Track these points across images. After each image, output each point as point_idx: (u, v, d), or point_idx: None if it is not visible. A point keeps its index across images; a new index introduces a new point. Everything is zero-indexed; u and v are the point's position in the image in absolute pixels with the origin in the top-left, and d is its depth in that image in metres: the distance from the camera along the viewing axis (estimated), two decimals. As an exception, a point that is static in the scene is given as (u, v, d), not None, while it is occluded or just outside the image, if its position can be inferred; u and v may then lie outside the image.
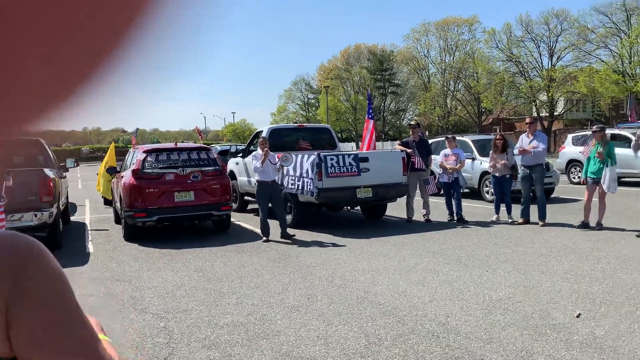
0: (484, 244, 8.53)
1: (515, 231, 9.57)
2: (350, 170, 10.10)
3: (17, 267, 0.76)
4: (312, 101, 70.52)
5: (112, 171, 12.12)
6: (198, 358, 4.38)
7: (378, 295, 5.94)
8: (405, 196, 10.94)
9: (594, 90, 43.14)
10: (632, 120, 26.44)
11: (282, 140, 12.04)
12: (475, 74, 53.32)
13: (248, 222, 11.84)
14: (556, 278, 6.37)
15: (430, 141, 13.69)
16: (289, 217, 10.66)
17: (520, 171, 10.38)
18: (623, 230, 9.21)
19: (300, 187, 10.31)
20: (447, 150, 11.16)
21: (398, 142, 12.35)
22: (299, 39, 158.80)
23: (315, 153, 10.21)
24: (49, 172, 9.13)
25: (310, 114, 67.69)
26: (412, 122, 12.06)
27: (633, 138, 10.61)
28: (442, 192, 11.42)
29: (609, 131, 14.21)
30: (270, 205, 9.58)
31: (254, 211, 12.38)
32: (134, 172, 9.70)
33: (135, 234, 9.87)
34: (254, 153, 10.04)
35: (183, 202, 9.73)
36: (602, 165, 9.19)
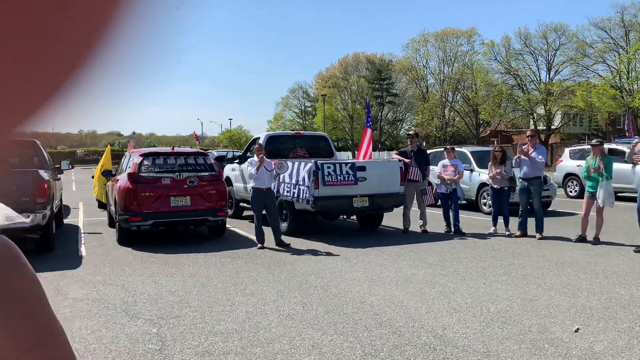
0: (481, 256, 8.48)
1: (513, 244, 9.52)
2: (347, 179, 10.04)
3: None
4: (309, 109, 70.43)
5: (107, 174, 12.08)
6: (190, 366, 4.29)
7: (374, 305, 5.87)
8: (402, 206, 10.89)
9: (591, 104, 43.25)
10: (629, 135, 26.59)
11: (279, 147, 12.01)
12: (473, 86, 53.41)
13: (243, 228, 11.77)
14: (554, 292, 6.31)
15: (428, 151, 13.66)
16: (284, 225, 10.59)
17: (519, 183, 10.35)
18: (621, 245, 9.18)
19: (296, 195, 10.24)
20: (446, 161, 11.12)
21: (395, 151, 12.31)
22: (297, 47, 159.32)
23: (312, 161, 10.15)
24: (44, 174, 9.01)
25: (307, 122, 67.63)
26: (411, 132, 12.03)
27: (627, 150, 10.60)
28: (439, 202, 11.37)
29: (606, 145, 14.26)
30: (264, 213, 9.52)
31: (250, 218, 12.30)
32: (130, 175, 9.62)
33: (129, 238, 9.77)
34: (249, 160, 9.98)
35: (179, 207, 9.66)
36: (600, 179, 9.18)
